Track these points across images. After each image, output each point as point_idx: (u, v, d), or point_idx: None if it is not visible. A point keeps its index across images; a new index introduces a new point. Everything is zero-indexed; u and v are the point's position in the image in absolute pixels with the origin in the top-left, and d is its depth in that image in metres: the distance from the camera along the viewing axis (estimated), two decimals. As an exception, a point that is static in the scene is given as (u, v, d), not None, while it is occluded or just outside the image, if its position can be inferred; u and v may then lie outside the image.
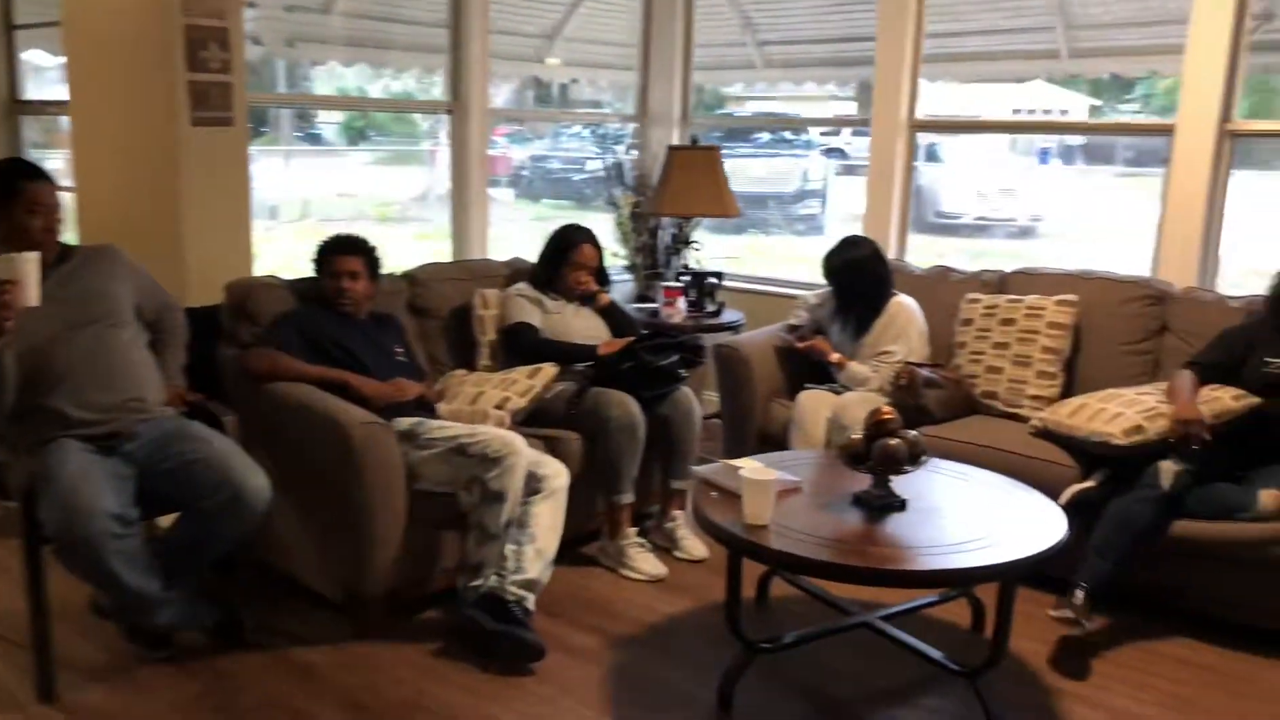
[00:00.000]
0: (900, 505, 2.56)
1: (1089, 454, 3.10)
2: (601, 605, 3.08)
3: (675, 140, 5.08)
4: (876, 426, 2.57)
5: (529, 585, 2.77)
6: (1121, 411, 3.04)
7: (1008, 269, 3.92)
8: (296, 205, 6.91)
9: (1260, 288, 3.21)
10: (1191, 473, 2.90)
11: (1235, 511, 2.85)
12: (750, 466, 2.65)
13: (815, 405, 3.55)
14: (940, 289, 3.94)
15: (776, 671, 2.68)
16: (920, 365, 3.57)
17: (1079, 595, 2.81)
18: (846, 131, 10.11)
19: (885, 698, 2.63)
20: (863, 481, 2.61)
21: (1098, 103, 6.88)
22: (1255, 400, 3.01)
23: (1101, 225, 8.73)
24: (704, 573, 3.31)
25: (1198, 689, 2.69)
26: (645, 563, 3.28)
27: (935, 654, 2.59)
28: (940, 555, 2.30)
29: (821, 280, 3.84)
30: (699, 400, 3.53)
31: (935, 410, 3.45)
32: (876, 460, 2.54)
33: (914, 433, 2.59)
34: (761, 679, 2.62)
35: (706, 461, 2.92)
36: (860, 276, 3.69)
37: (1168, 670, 2.78)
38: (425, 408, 3.14)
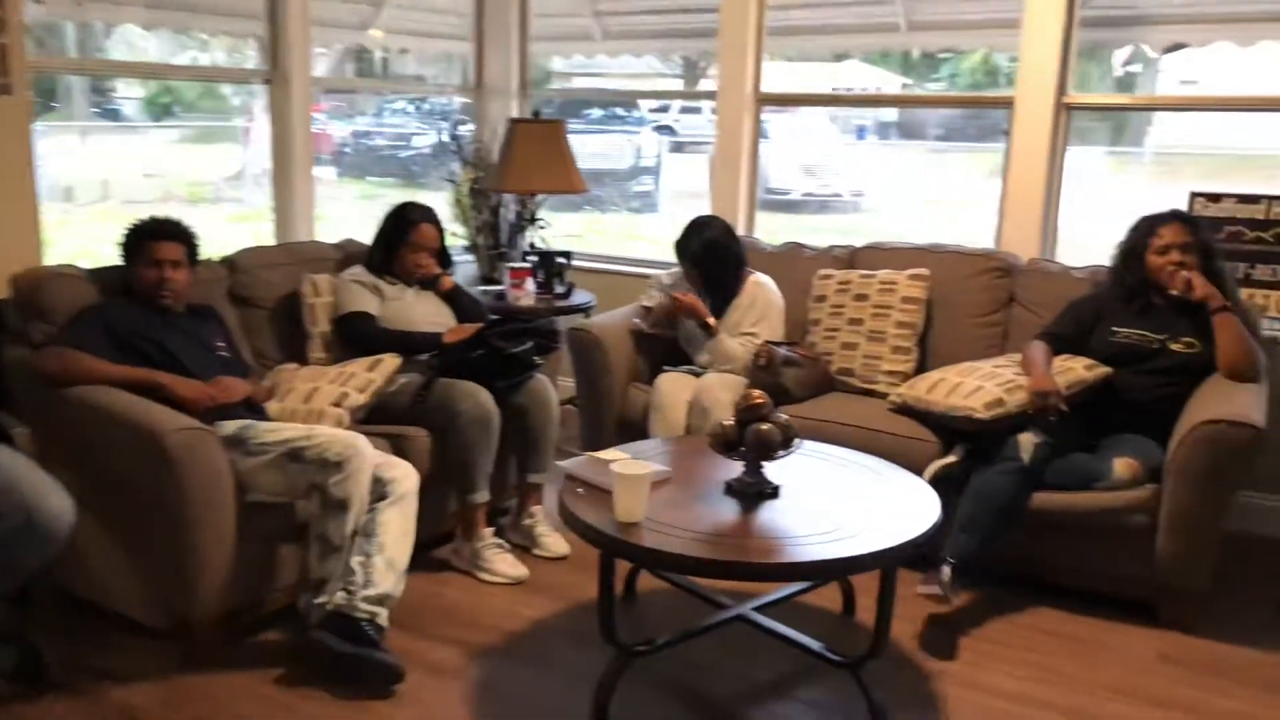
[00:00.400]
0: (774, 492, 2.46)
1: (950, 429, 3.10)
2: (460, 614, 2.86)
3: (515, 113, 4.84)
4: (748, 411, 2.46)
5: (381, 600, 2.52)
6: (981, 385, 3.04)
7: (858, 244, 3.90)
8: (95, 186, 6.27)
9: (1092, 259, 3.28)
10: (1049, 444, 2.93)
11: (1091, 481, 2.89)
12: (619, 460, 2.50)
13: (675, 389, 3.42)
14: (792, 265, 3.88)
15: (652, 674, 2.54)
16: (778, 344, 3.49)
17: (945, 571, 2.79)
18: (675, 108, 10.11)
19: (766, 692, 2.53)
20: (733, 469, 2.50)
21: (908, 81, 7.05)
22: (1106, 370, 3.07)
23: (920, 199, 9.01)
24: (568, 570, 3.14)
25: (1064, 658, 2.72)
26: (504, 564, 3.08)
27: (815, 645, 2.50)
28: (821, 544, 2.20)
29: (671, 259, 3.71)
30: (554, 388, 3.35)
31: (794, 390, 3.39)
32: (750, 446, 2.42)
33: (784, 416, 2.49)
34: (636, 683, 2.47)
35: (568, 454, 2.74)
36: (720, 258, 3.58)
37: (1034, 642, 2.80)
38: (253, 409, 2.83)
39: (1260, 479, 3.34)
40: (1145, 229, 3.20)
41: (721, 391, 3.34)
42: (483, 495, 3.07)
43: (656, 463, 2.56)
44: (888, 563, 2.29)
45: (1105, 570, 2.95)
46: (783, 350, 3.44)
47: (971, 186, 9.46)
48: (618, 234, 8.28)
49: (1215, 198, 3.56)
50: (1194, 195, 3.57)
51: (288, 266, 3.41)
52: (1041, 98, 3.72)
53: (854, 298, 3.63)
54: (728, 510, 2.40)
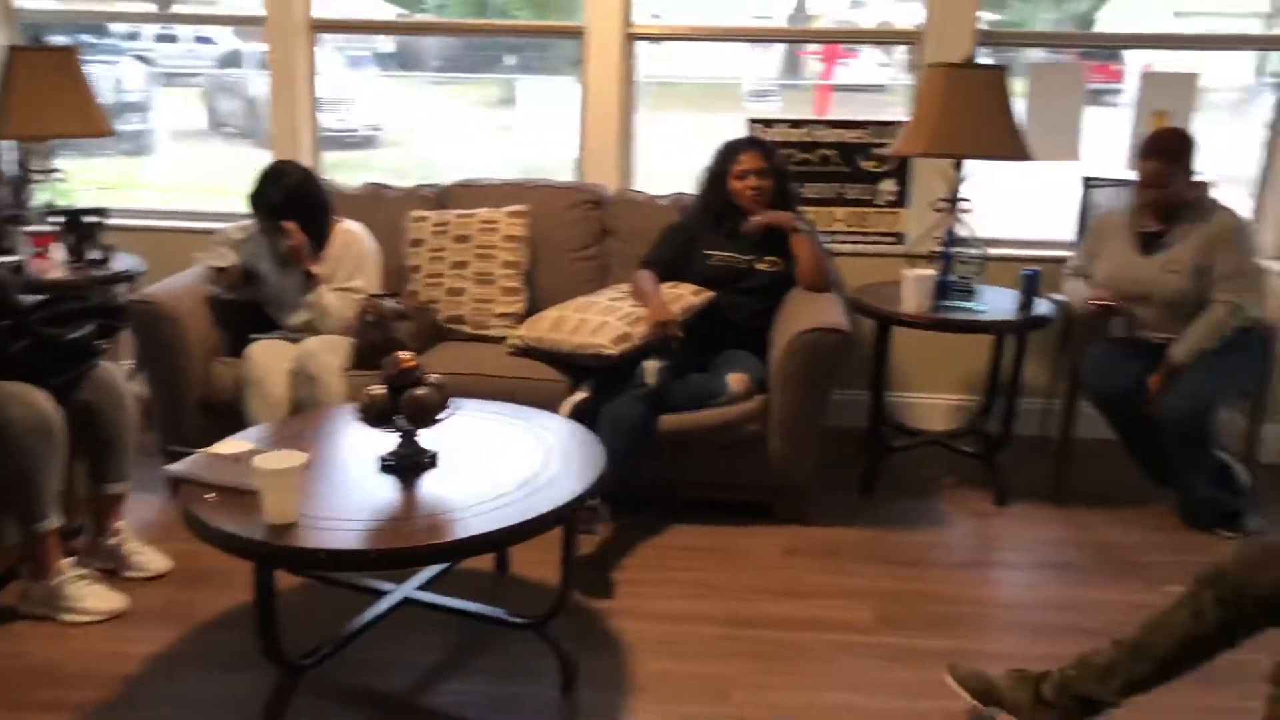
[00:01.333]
0: (433, 461, 2.26)
1: (577, 366, 3.07)
2: (53, 671, 2.32)
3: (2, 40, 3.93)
4: (401, 376, 2.22)
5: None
6: (605, 320, 3.05)
7: (446, 182, 3.71)
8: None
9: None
10: (670, 368, 3.02)
11: (710, 398, 3.03)
12: (247, 451, 2.15)
13: (271, 358, 3.03)
14: (376, 209, 3.60)
15: (321, 685, 2.25)
16: (382, 296, 3.22)
17: (593, 504, 2.79)
18: (148, 34, 8.94)
19: (448, 673, 2.36)
20: (381, 441, 2.26)
21: (402, 10, 6.91)
22: (710, 294, 3.22)
23: (439, 131, 8.92)
24: (173, 588, 2.68)
25: (708, 570, 2.85)
26: (95, 598, 2.54)
27: (495, 612, 2.37)
28: (502, 509, 2.04)
29: (226, 208, 3.25)
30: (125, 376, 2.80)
31: (409, 344, 3.15)
32: (409, 415, 2.19)
33: (436, 376, 2.28)
34: (309, 701, 2.17)
35: (176, 454, 2.29)
36: (306, 207, 3.19)
37: (679, 560, 2.91)
38: None
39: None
40: (725, 155, 3.38)
41: (328, 355, 3.02)
42: (52, 521, 2.48)
43: (287, 447, 2.23)
44: (569, 517, 2.21)
45: (727, 480, 3.14)
46: (390, 303, 3.19)
47: (477, 117, 9.56)
48: (115, 183, 7.26)
49: (769, 123, 3.86)
50: (750, 121, 3.84)
51: None
52: (609, 27, 3.76)
53: (454, 239, 3.45)
54: (390, 490, 2.16)
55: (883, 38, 3.96)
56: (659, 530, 3.07)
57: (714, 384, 3.06)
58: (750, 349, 3.20)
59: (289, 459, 1.97)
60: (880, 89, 8.31)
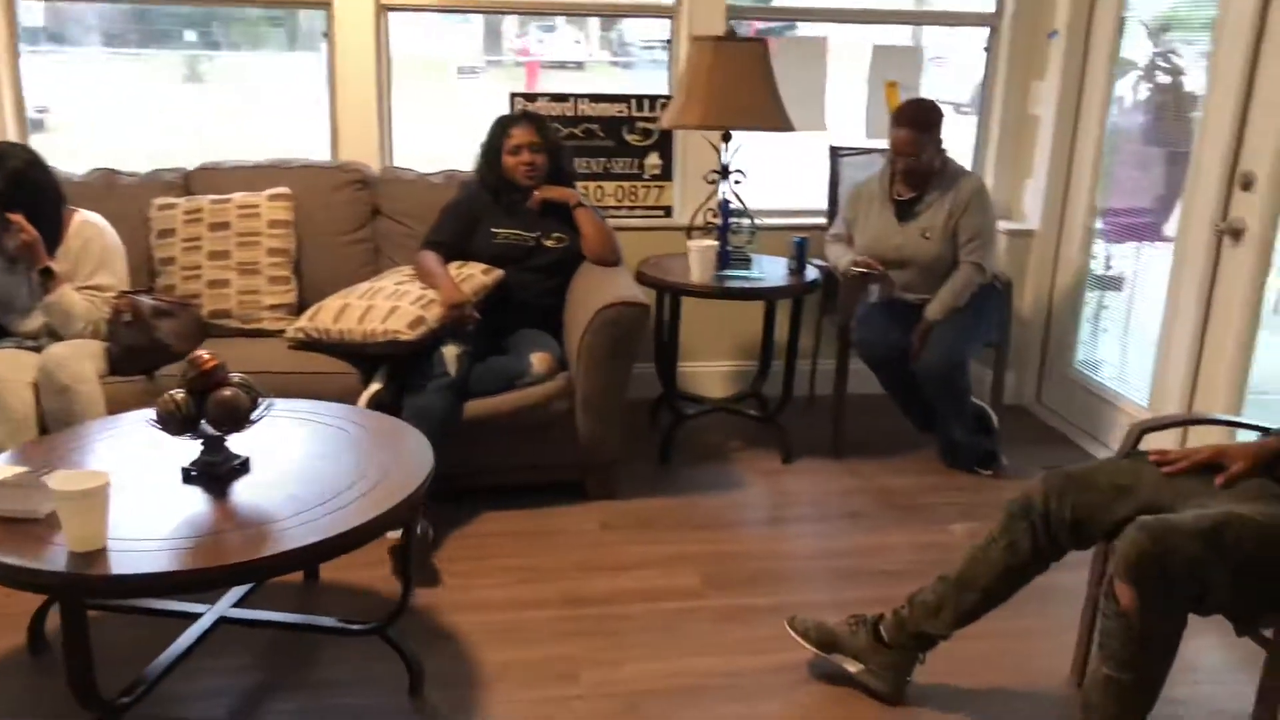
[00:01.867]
0: (245, 466, 2.06)
1: (369, 356, 2.90)
2: None
3: None
4: (201, 377, 1.99)
5: None
6: (396, 305, 2.89)
7: (190, 166, 3.37)
8: None
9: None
10: (469, 354, 2.92)
11: (514, 380, 2.96)
12: (28, 473, 1.86)
13: (10, 371, 2.63)
14: (110, 197, 3.21)
15: (136, 727, 1.99)
16: (137, 293, 2.88)
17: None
18: None
19: (285, 692, 2.15)
20: (180, 449, 2.03)
21: None
22: (500, 272, 3.13)
23: (116, 112, 8.17)
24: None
25: (531, 555, 2.79)
26: None
27: (328, 621, 2.19)
28: (330, 516, 1.87)
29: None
30: None
31: (175, 344, 2.84)
32: (217, 419, 1.97)
33: (240, 375, 2.07)
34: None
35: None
36: (36, 195, 2.77)
37: (498, 548, 2.83)
38: None
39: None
40: (498, 130, 3.30)
41: (80, 362, 2.66)
42: None
43: (70, 465, 1.96)
44: (407, 517, 2.07)
45: (536, 461, 3.08)
46: (148, 300, 2.85)
47: (159, 94, 8.81)
48: None
49: (531, 98, 3.81)
50: (513, 96, 3.77)
51: None
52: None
53: (211, 227, 3.14)
54: (201, 503, 1.93)
55: (643, 11, 4.02)
56: (473, 518, 2.97)
57: (516, 365, 2.99)
58: (544, 327, 3.16)
59: (90, 478, 1.71)
60: (579, 65, 8.69)
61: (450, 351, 2.87)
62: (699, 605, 2.57)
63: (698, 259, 3.26)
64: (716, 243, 3.32)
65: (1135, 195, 3.75)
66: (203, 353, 2.01)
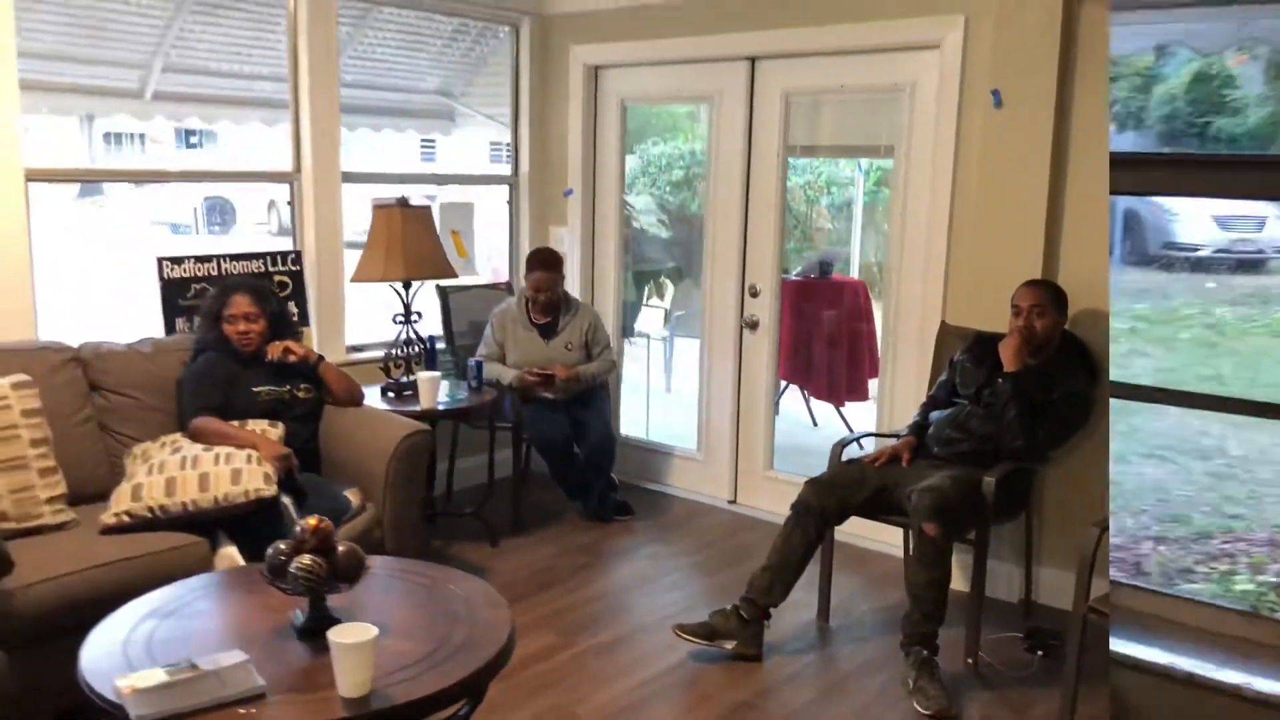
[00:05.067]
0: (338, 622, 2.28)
1: (218, 520, 2.94)
2: None
3: None
4: (320, 539, 2.20)
5: None
6: (235, 466, 2.93)
7: None
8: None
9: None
10: (298, 501, 3.13)
11: (339, 517, 3.21)
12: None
13: None
14: None
15: None
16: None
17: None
18: None
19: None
20: (283, 609, 2.22)
21: None
22: (282, 426, 3.30)
23: None
24: None
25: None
26: None
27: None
28: (435, 669, 2.10)
29: None
30: None
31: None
32: (347, 573, 2.21)
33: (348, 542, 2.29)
34: None
35: None
36: None
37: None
38: None
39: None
40: (219, 297, 3.46)
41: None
42: None
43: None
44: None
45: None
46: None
47: None
48: None
49: (178, 261, 3.90)
50: (160, 260, 3.84)
51: None
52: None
53: (-44, 426, 2.79)
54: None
55: (270, 177, 4.32)
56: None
57: (333, 504, 3.25)
58: (310, 470, 3.43)
59: (360, 631, 1.95)
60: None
61: (288, 500, 3.06)
62: (574, 653, 3.24)
63: (428, 387, 3.82)
64: (439, 373, 3.92)
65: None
66: (311, 519, 2.21)
